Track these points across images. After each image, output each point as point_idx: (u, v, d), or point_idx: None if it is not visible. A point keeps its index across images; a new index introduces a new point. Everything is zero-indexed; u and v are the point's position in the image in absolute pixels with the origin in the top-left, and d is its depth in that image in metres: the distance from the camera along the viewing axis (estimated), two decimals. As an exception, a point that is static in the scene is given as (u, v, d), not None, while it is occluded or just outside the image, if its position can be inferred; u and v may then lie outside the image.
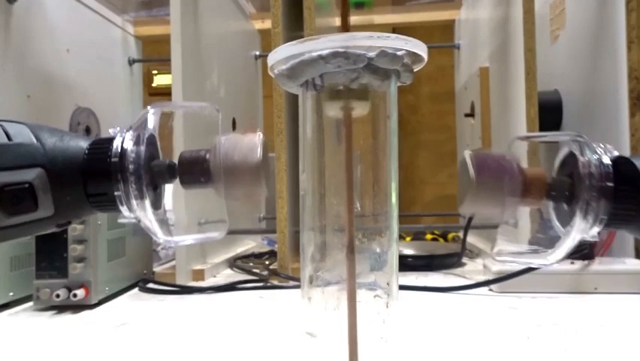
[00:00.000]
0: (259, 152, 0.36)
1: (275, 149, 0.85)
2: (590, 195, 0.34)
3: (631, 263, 0.73)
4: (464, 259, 0.96)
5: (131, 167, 0.35)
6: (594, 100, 0.96)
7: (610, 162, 0.35)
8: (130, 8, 1.45)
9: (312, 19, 0.84)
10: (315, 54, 0.29)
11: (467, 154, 0.37)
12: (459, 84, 1.53)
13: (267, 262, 0.96)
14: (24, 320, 0.63)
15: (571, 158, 0.37)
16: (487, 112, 1.13)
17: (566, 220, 0.37)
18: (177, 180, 0.38)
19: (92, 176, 0.35)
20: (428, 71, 1.88)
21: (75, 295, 0.65)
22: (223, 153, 0.36)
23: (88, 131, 1.08)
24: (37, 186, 0.33)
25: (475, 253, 1.07)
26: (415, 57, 0.31)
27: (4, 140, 0.34)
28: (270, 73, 0.33)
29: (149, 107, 0.37)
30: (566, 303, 0.66)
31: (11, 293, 0.68)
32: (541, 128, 0.87)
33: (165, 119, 0.38)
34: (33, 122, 0.36)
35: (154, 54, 1.62)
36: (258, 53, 1.33)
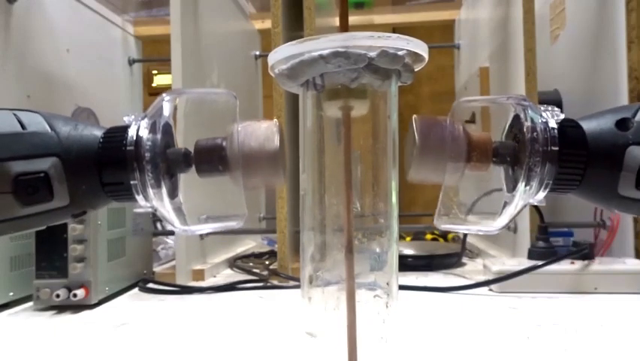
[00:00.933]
0: (276, 139, 0.35)
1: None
2: (534, 161, 0.33)
3: (631, 263, 0.73)
4: (464, 259, 0.96)
5: (147, 155, 0.34)
6: (594, 100, 0.96)
7: (555, 126, 0.34)
8: (130, 8, 1.45)
9: (312, 19, 0.84)
10: (315, 54, 0.29)
11: (414, 118, 0.36)
12: (459, 84, 1.53)
13: (267, 262, 0.96)
14: (24, 320, 0.63)
15: (517, 121, 0.36)
16: (487, 111, 1.13)
17: (512, 184, 0.36)
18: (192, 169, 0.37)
19: (108, 165, 0.34)
20: (428, 71, 1.88)
21: (75, 295, 0.65)
22: (240, 141, 0.35)
23: (88, 131, 1.08)
24: (53, 176, 0.33)
25: (475, 253, 1.07)
26: (416, 57, 0.31)
27: (18, 129, 0.33)
28: (271, 73, 0.32)
29: (164, 94, 0.36)
30: (566, 303, 0.66)
31: (11, 293, 0.68)
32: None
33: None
34: (46, 111, 0.36)
35: (154, 54, 1.62)
36: (258, 53, 1.33)
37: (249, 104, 1.26)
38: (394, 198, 0.32)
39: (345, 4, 0.32)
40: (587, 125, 0.35)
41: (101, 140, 0.35)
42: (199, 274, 0.84)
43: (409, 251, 0.94)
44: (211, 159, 0.36)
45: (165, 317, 0.64)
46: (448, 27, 1.64)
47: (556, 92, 1.11)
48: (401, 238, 1.22)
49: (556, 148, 0.34)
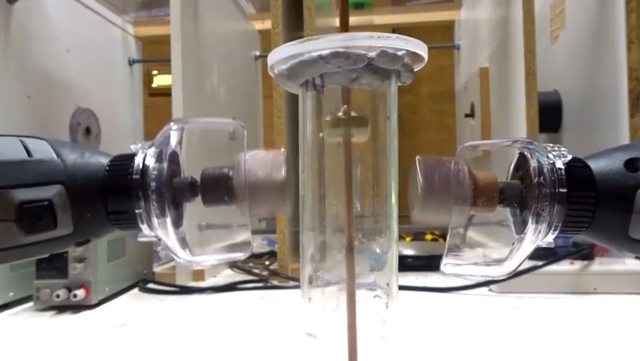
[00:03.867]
0: (284, 169, 0.35)
1: (275, 149, 0.85)
2: (541, 205, 0.33)
3: (631, 263, 0.73)
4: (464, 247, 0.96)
5: (152, 184, 0.34)
6: (594, 100, 0.96)
7: (563, 167, 0.33)
8: (130, 8, 1.45)
9: (312, 19, 0.85)
10: (315, 54, 0.29)
11: (417, 159, 0.35)
12: (459, 84, 1.53)
13: (267, 263, 0.96)
14: (24, 320, 0.63)
15: (522, 162, 0.35)
16: (487, 112, 1.13)
17: (520, 227, 0.35)
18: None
19: (113, 193, 0.34)
20: (428, 71, 1.88)
21: (75, 296, 0.65)
22: (247, 171, 0.35)
23: (88, 131, 1.08)
24: (57, 204, 0.32)
25: (475, 243, 1.07)
26: (416, 57, 0.31)
27: (24, 156, 0.33)
28: (270, 73, 0.32)
29: (171, 122, 0.36)
30: (566, 303, 0.66)
31: (11, 293, 0.68)
32: (542, 129, 0.87)
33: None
34: (53, 138, 0.36)
35: (154, 54, 1.62)
36: (258, 53, 1.33)
37: (249, 104, 1.26)
38: (394, 199, 0.32)
39: (346, 4, 0.32)
40: (595, 165, 0.34)
41: (107, 168, 0.35)
42: (199, 275, 0.84)
43: (408, 251, 0.94)
44: (217, 189, 0.36)
45: (165, 317, 0.64)
46: (448, 27, 1.64)
47: (556, 92, 1.11)
48: (401, 238, 1.22)
49: (565, 190, 0.33)
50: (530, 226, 0.33)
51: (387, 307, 0.33)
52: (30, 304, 0.68)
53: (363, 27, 1.73)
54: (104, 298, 0.70)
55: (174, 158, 0.36)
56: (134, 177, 0.34)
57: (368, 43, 0.29)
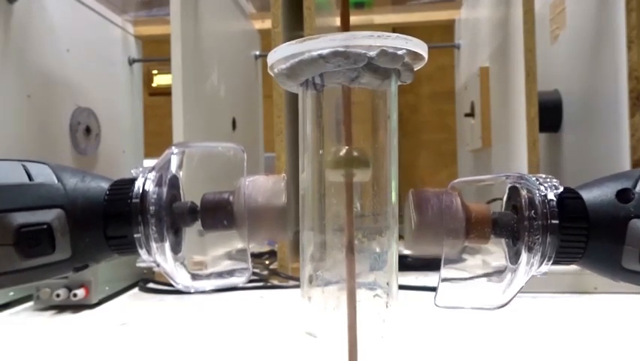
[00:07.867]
0: (284, 195, 0.35)
1: (275, 149, 0.85)
2: (533, 238, 0.33)
3: (631, 263, 0.73)
4: (464, 255, 0.96)
5: (152, 209, 0.33)
6: (594, 100, 0.96)
7: (555, 198, 0.34)
8: (130, 8, 1.45)
9: (312, 19, 0.85)
10: (315, 53, 0.29)
11: (410, 192, 0.35)
12: (459, 84, 1.53)
13: (267, 262, 0.96)
14: (24, 319, 0.63)
15: (515, 193, 0.35)
16: (487, 112, 1.13)
17: (514, 258, 0.35)
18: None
19: (112, 218, 0.34)
20: (428, 71, 1.88)
21: (75, 295, 0.65)
22: (247, 197, 0.35)
23: (88, 130, 1.08)
24: (56, 228, 0.32)
25: (474, 250, 1.07)
26: (416, 56, 0.31)
27: (25, 180, 0.33)
28: (270, 72, 0.32)
29: (173, 146, 0.36)
30: (566, 303, 0.66)
31: (11, 293, 0.68)
32: (542, 128, 0.87)
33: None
34: (55, 163, 0.36)
35: (154, 54, 1.62)
36: (258, 53, 1.33)
37: (249, 104, 1.26)
38: (394, 198, 0.32)
39: (347, 3, 0.32)
40: (587, 195, 0.34)
41: (108, 192, 0.35)
42: (199, 274, 0.84)
43: (408, 251, 0.94)
44: (217, 214, 0.36)
45: (165, 316, 0.64)
46: (448, 27, 1.64)
47: (556, 92, 1.11)
48: (401, 237, 1.22)
49: (557, 221, 0.33)
50: (523, 258, 0.34)
51: (387, 306, 0.33)
52: (30, 303, 0.68)
53: (363, 26, 1.73)
54: (104, 298, 0.70)
55: (174, 182, 0.36)
56: (134, 201, 0.34)
57: (368, 42, 0.29)
